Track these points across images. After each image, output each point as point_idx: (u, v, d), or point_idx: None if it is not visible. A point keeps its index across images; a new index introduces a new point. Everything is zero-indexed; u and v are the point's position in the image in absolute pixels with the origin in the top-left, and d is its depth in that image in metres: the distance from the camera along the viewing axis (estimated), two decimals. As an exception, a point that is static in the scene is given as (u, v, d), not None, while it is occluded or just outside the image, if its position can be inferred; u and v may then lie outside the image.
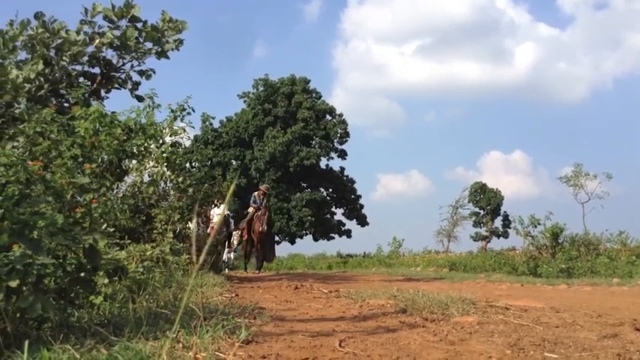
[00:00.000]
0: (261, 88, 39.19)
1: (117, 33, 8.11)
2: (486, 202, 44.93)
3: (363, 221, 39.18)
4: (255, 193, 15.87)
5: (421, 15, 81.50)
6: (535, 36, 78.82)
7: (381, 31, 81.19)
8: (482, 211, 45.46)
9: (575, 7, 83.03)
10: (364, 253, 30.88)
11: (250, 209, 15.71)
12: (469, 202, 44.97)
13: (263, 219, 14.81)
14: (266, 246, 16.12)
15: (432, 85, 78.87)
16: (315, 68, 77.64)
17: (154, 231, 6.46)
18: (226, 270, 15.00)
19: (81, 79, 8.24)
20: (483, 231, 45.35)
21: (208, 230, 12.61)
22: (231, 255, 16.82)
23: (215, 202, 13.04)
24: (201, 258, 1.58)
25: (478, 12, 77.37)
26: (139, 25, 8.22)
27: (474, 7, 78.35)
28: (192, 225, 8.56)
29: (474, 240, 44.99)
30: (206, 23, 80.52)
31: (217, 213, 12.99)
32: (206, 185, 8.45)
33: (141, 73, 8.68)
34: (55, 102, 7.69)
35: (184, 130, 7.96)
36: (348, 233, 38.60)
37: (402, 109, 77.40)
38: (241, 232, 16.09)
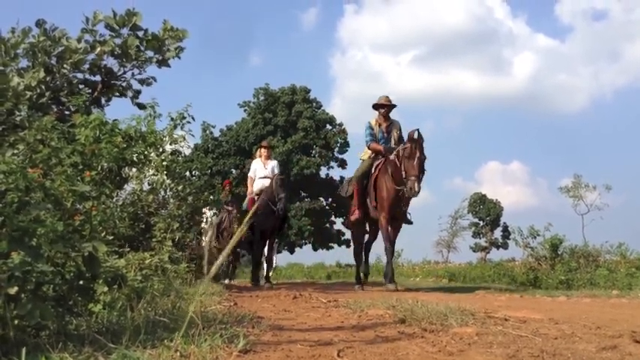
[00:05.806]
0: (261, 98, 39.42)
1: (118, 41, 8.16)
2: (486, 213, 45.04)
3: (362, 231, 39.14)
4: (371, 120, 8.34)
5: (419, 24, 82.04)
6: (534, 46, 79.26)
7: (378, 40, 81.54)
8: (481, 222, 45.51)
9: (574, 18, 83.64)
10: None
11: (364, 155, 8.23)
12: (468, 213, 45.05)
13: (413, 166, 7.07)
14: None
15: (429, 95, 79.24)
16: (313, 77, 78.04)
17: (153, 239, 6.46)
18: (268, 282, 10.32)
19: (82, 87, 8.28)
20: (483, 242, 45.42)
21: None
22: (273, 260, 12.20)
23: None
24: (213, 269, 1.54)
25: (476, 22, 77.91)
26: (140, 33, 8.27)
27: (472, 17, 78.93)
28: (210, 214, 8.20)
29: (474, 251, 45.10)
30: (204, 31, 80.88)
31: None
32: (206, 194, 8.45)
33: (142, 81, 8.72)
34: (55, 110, 7.73)
35: (184, 139, 7.99)
36: (347, 243, 38.52)
37: (401, 119, 77.36)
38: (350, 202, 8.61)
